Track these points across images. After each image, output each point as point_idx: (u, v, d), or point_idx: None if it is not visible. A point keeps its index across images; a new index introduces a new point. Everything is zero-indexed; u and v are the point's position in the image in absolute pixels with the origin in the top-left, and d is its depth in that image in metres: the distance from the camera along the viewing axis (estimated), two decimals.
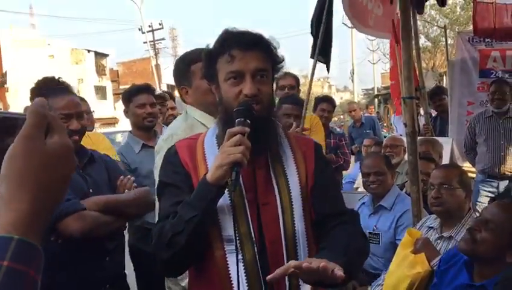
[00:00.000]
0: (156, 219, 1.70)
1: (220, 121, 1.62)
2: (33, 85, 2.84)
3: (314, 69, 4.05)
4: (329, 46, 4.43)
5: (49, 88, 2.48)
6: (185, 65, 2.28)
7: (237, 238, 1.47)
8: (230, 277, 1.48)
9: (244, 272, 1.48)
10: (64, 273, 2.00)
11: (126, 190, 2.31)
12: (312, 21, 4.46)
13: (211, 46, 1.60)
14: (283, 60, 1.64)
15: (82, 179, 2.20)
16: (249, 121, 1.47)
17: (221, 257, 1.50)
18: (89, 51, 32.87)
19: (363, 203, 3.60)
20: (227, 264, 1.49)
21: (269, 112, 1.59)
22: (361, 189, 4.50)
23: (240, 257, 1.47)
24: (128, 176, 2.40)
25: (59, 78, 2.77)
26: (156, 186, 1.70)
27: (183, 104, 2.45)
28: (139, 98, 3.30)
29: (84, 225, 2.01)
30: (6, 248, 0.62)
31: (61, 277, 1.98)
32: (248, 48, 1.52)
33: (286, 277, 1.43)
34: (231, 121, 1.49)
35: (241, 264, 1.47)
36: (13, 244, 0.63)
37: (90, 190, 2.20)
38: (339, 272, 1.26)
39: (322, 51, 4.27)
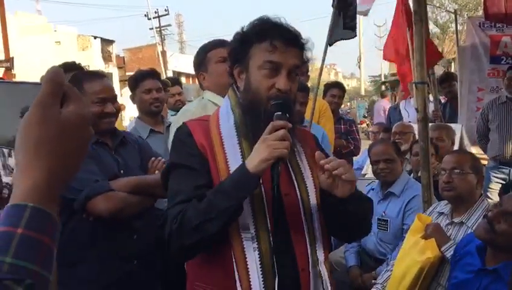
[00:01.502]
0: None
1: (244, 109, 1.59)
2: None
3: (325, 53, 3.99)
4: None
5: (84, 73, 2.58)
6: (202, 53, 2.48)
7: (254, 227, 1.49)
8: (247, 264, 1.49)
9: (259, 261, 1.49)
10: (94, 249, 2.11)
11: (157, 171, 2.33)
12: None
13: (243, 29, 1.58)
14: (309, 61, 1.65)
15: (113, 161, 2.26)
16: (288, 116, 1.48)
17: (237, 244, 1.50)
18: (95, 37, 32.75)
19: (372, 189, 3.58)
20: (244, 251, 1.49)
21: (294, 109, 1.62)
22: (368, 175, 4.48)
23: (255, 245, 1.49)
24: (159, 158, 2.43)
25: (79, 63, 2.79)
26: (166, 166, 1.68)
27: (190, 90, 2.58)
28: (145, 84, 3.30)
29: (111, 205, 2.07)
30: (21, 215, 0.62)
31: (92, 252, 2.10)
32: (290, 43, 1.53)
33: (309, 254, 1.55)
34: (258, 111, 1.51)
35: (256, 253, 1.49)
36: (27, 212, 0.63)
37: (121, 171, 2.26)
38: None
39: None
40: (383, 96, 14.98)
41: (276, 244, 1.51)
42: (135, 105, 3.47)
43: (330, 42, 4.30)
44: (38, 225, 0.63)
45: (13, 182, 0.67)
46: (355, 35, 4.44)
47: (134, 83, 3.36)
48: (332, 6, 4.29)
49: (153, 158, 2.42)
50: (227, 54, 1.68)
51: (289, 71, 1.52)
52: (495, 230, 2.01)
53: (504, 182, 4.93)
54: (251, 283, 1.48)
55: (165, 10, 34.37)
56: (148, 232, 2.33)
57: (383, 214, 3.39)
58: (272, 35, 1.51)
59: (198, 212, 1.44)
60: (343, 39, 4.45)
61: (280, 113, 1.47)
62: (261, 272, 1.49)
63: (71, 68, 2.79)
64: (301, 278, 1.56)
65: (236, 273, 1.49)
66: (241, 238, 1.49)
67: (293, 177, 1.60)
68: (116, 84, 33.88)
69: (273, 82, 1.52)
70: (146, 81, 3.31)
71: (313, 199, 1.61)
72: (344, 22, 4.18)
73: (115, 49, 36.06)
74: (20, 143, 0.67)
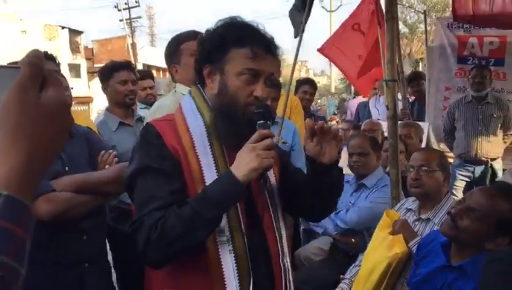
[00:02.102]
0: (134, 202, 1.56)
1: (219, 112, 1.55)
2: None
3: (297, 52, 3.99)
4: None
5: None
6: (175, 44, 2.42)
7: (228, 229, 1.49)
8: (221, 267, 1.48)
9: (235, 263, 1.49)
10: (40, 251, 1.93)
11: (107, 166, 2.20)
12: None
13: (219, 29, 1.55)
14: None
15: (56, 157, 2.06)
16: (270, 124, 1.49)
17: (213, 247, 1.48)
18: (63, 27, 31.99)
19: (347, 181, 3.62)
20: (219, 254, 1.48)
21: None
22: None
23: (230, 247, 1.48)
24: (110, 151, 2.29)
25: (51, 54, 2.66)
26: (133, 168, 1.55)
27: (161, 84, 2.51)
28: (121, 74, 3.21)
29: (53, 208, 1.92)
30: None
31: (38, 255, 1.89)
32: (269, 51, 1.53)
33: (279, 248, 1.61)
34: (236, 116, 1.50)
35: (232, 255, 1.48)
36: (1, 201, 0.59)
37: (66, 168, 2.10)
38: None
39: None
40: (356, 94, 15.14)
41: (250, 243, 1.52)
42: (105, 96, 3.38)
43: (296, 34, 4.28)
44: (11, 215, 0.60)
45: None
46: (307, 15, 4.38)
47: (108, 72, 3.25)
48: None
49: (102, 152, 2.26)
50: (196, 51, 1.64)
51: (265, 79, 1.53)
52: (458, 226, 2.04)
53: (469, 180, 5.06)
54: (226, 286, 1.47)
55: (136, 2, 33.81)
56: (99, 232, 2.22)
57: (350, 204, 3.45)
58: (252, 41, 1.50)
59: (182, 221, 1.39)
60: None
61: (263, 121, 1.48)
62: (237, 275, 1.48)
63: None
64: (275, 273, 1.58)
65: (211, 277, 1.48)
66: (216, 242, 1.48)
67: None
68: (84, 76, 33.23)
69: (251, 89, 1.51)
70: (121, 72, 3.21)
71: (275, 192, 1.65)
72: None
73: (83, 40, 35.30)
74: None
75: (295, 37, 4.21)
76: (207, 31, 1.59)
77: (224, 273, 1.48)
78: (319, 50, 6.19)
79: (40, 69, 0.67)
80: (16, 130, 0.64)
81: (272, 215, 1.62)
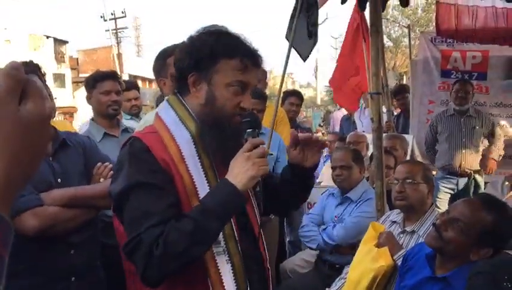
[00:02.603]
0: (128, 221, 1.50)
1: (206, 124, 1.54)
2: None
3: (286, 64, 3.98)
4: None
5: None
6: (162, 59, 2.49)
7: (224, 240, 1.50)
8: (221, 277, 1.48)
9: (232, 272, 1.50)
10: (25, 266, 1.89)
11: (102, 179, 2.15)
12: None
13: (208, 38, 1.54)
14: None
15: (49, 168, 2.03)
16: (258, 132, 1.53)
17: (210, 259, 1.48)
18: (48, 36, 31.79)
19: (332, 194, 3.63)
20: (218, 265, 1.48)
21: None
22: (324, 183, 4.54)
23: (227, 257, 1.49)
24: (106, 163, 2.23)
25: (36, 64, 2.62)
26: (122, 185, 1.49)
27: (147, 95, 2.55)
28: (105, 85, 3.16)
29: (39, 223, 1.89)
30: None
31: (22, 269, 1.88)
32: (256, 64, 1.56)
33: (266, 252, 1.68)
34: (224, 127, 1.52)
35: (229, 265, 1.49)
36: None
37: (59, 180, 2.06)
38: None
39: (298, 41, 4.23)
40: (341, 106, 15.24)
41: (244, 251, 1.54)
42: (90, 106, 3.34)
43: (303, 56, 4.25)
44: None
45: None
46: (316, 42, 4.39)
47: (92, 83, 3.20)
48: (295, 11, 4.26)
49: (99, 164, 2.21)
50: (177, 58, 1.61)
51: (250, 91, 1.57)
52: (443, 237, 2.05)
53: (452, 192, 5.11)
54: None
55: (122, 12, 33.80)
56: (90, 246, 2.16)
57: (335, 218, 3.44)
58: (241, 53, 1.52)
59: (185, 235, 1.37)
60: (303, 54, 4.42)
61: (251, 130, 1.51)
62: (234, 284, 1.49)
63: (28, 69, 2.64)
64: (267, 276, 1.65)
65: (211, 287, 1.48)
66: (213, 253, 1.48)
67: None
68: (68, 86, 32.97)
69: (238, 100, 1.53)
70: (105, 82, 3.16)
71: (254, 201, 1.69)
72: (308, 30, 4.17)
73: (68, 50, 35.08)
74: None
75: (304, 61, 4.18)
76: (192, 38, 1.58)
77: (224, 283, 1.48)
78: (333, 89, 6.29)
79: (18, 81, 0.65)
80: None
81: (258, 221, 1.66)
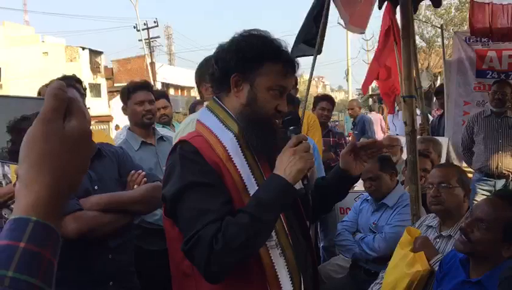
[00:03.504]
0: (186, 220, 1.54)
1: (249, 123, 1.60)
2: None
3: (313, 66, 4.03)
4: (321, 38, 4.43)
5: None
6: (205, 66, 2.50)
7: (275, 233, 1.56)
8: (276, 272, 1.54)
9: (286, 265, 1.55)
10: (64, 269, 1.96)
11: (136, 186, 2.25)
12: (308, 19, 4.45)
13: (255, 41, 1.60)
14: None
15: (86, 176, 2.12)
16: (299, 129, 1.59)
17: (265, 253, 1.53)
18: (83, 48, 32.67)
19: (366, 199, 3.61)
20: (272, 259, 1.54)
21: None
22: (357, 188, 4.52)
23: (279, 251, 1.55)
24: (140, 171, 2.33)
25: (74, 76, 2.73)
26: (176, 187, 1.55)
27: (179, 102, 2.62)
28: (138, 95, 3.27)
29: (79, 226, 1.97)
30: (24, 229, 0.63)
31: (61, 273, 1.94)
32: (295, 71, 1.65)
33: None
34: (264, 126, 1.59)
35: (282, 258, 1.55)
36: (30, 226, 0.63)
37: (95, 187, 2.16)
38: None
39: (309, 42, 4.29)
40: (370, 110, 15.11)
41: (295, 246, 1.60)
42: (127, 117, 3.45)
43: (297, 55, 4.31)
44: (40, 239, 0.63)
45: (16, 195, 0.67)
46: (318, 53, 4.42)
47: (126, 94, 3.32)
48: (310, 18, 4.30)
49: (132, 171, 2.31)
50: (220, 57, 1.65)
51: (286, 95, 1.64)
52: (471, 239, 2.06)
53: (490, 194, 4.99)
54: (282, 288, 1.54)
55: (154, 22, 34.42)
56: (126, 251, 2.25)
57: (373, 225, 3.42)
58: (285, 58, 1.60)
59: (243, 229, 1.42)
60: (305, 55, 4.47)
61: (294, 127, 1.58)
62: (289, 277, 1.54)
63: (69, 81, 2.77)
64: (315, 273, 1.72)
65: (267, 281, 1.53)
66: (266, 247, 1.53)
67: None
68: (104, 96, 33.77)
69: (276, 103, 1.60)
70: (138, 93, 3.27)
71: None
72: (306, 39, 4.24)
73: (103, 60, 35.96)
74: (23, 157, 0.68)
75: (319, 53, 4.22)
76: (236, 40, 1.63)
77: (278, 276, 1.53)
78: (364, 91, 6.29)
79: (63, 100, 0.70)
80: (40, 162, 0.67)
81: (305, 216, 1.74)
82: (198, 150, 1.55)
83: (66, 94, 0.71)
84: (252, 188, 1.54)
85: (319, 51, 4.35)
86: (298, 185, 1.52)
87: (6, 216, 3.35)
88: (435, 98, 7.46)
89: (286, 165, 1.48)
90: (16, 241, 0.62)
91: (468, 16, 5.37)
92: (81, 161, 0.71)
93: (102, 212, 2.06)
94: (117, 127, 21.23)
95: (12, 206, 3.18)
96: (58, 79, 2.84)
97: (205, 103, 2.48)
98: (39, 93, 3.01)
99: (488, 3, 5.23)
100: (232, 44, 1.63)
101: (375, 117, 11.04)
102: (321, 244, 4.68)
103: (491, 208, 2.08)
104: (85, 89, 2.52)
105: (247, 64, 1.58)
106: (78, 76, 2.61)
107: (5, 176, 3.38)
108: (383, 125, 9.38)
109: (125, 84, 3.68)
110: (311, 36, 4.37)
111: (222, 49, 1.65)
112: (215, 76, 1.67)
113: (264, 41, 1.60)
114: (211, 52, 2.35)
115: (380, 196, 3.44)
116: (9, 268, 0.60)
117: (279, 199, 1.47)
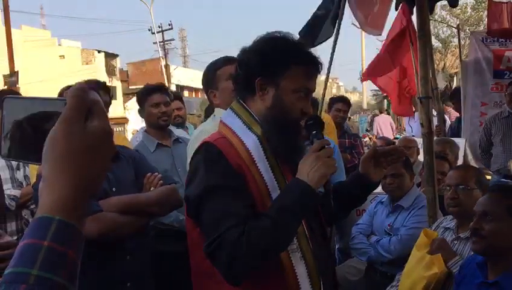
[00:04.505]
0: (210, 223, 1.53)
1: (274, 126, 1.60)
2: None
3: (329, 68, 4.02)
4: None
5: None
6: (211, 71, 2.50)
7: (296, 238, 1.55)
8: (296, 276, 1.53)
9: (306, 270, 1.55)
10: (83, 271, 1.99)
11: (152, 188, 2.28)
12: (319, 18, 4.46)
13: (279, 44, 1.60)
14: None
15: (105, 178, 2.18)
16: (321, 133, 1.59)
17: (286, 257, 1.53)
18: (99, 51, 32.99)
19: (381, 202, 3.58)
20: (293, 263, 1.54)
21: None
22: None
23: (300, 255, 1.55)
24: (156, 173, 2.37)
25: (104, 82, 2.77)
26: (199, 189, 1.55)
27: (193, 104, 2.58)
28: (154, 98, 3.31)
29: (100, 227, 2.00)
30: (48, 228, 0.64)
31: (80, 275, 1.97)
32: (319, 72, 1.65)
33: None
34: (288, 130, 1.59)
35: (303, 262, 1.55)
36: (54, 225, 0.64)
37: (113, 189, 2.20)
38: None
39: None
40: (381, 111, 15.08)
41: (315, 250, 1.59)
42: (143, 119, 3.49)
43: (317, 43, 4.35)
44: (64, 238, 0.64)
45: (39, 194, 0.68)
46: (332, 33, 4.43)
47: (142, 97, 3.38)
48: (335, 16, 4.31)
49: (148, 174, 2.35)
50: (244, 61, 1.65)
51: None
52: (483, 236, 2.05)
53: None
54: None
55: (169, 25, 34.64)
56: (143, 252, 2.27)
57: (388, 227, 3.39)
58: (309, 60, 1.60)
59: (265, 233, 1.42)
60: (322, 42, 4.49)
61: (316, 132, 1.58)
62: (309, 282, 1.54)
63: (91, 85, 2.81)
64: (335, 279, 1.72)
65: (287, 285, 1.53)
66: (287, 251, 1.53)
67: None
68: (119, 98, 34.06)
69: (301, 105, 1.60)
70: (154, 95, 3.31)
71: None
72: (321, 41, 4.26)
73: (118, 63, 36.29)
74: (46, 156, 0.68)
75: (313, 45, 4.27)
76: (259, 42, 1.63)
77: (299, 280, 1.53)
78: (363, 78, 6.22)
79: (84, 101, 0.71)
80: (63, 161, 0.68)
81: (324, 221, 1.75)
82: (223, 152, 1.55)
83: (88, 95, 0.72)
84: (275, 191, 1.54)
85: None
86: (319, 190, 1.52)
87: (26, 217, 3.40)
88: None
89: (309, 169, 1.48)
90: (40, 239, 0.62)
91: (487, 16, 5.30)
92: (102, 161, 0.72)
93: (120, 214, 2.09)
94: (134, 131, 21.46)
95: (32, 207, 3.23)
96: (85, 82, 2.90)
97: (216, 110, 2.48)
98: (60, 95, 3.05)
99: (506, 3, 5.18)
100: (255, 48, 1.63)
101: (385, 118, 10.97)
102: (336, 246, 4.66)
103: (490, 200, 2.12)
104: (112, 96, 2.56)
105: (271, 67, 1.57)
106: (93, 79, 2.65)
107: (26, 177, 3.44)
108: (393, 126, 9.31)
109: (140, 86, 3.73)
110: (325, 38, 4.38)
111: (245, 53, 1.65)
112: (238, 80, 1.67)
113: (288, 43, 1.60)
114: (225, 53, 2.36)
115: (399, 194, 3.41)
116: (34, 266, 0.60)
117: (301, 204, 1.47)
